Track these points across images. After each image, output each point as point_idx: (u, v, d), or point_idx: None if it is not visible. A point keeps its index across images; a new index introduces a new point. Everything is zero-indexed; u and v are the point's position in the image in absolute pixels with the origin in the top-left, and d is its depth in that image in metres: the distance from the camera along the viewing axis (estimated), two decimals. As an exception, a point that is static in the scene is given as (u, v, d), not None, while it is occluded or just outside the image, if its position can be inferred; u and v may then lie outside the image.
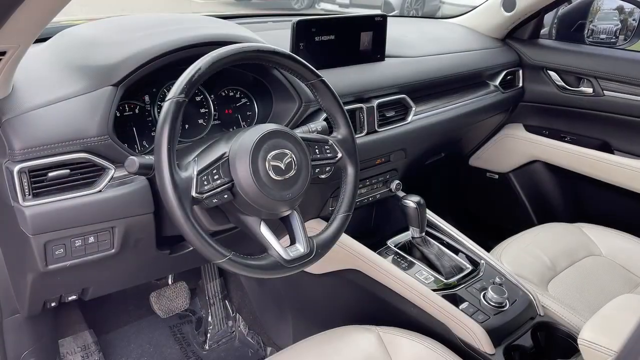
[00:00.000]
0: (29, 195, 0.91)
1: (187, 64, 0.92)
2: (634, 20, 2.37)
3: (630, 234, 1.69)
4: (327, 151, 1.08)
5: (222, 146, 0.96)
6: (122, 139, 1.05)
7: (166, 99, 0.88)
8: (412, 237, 1.46)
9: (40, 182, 0.92)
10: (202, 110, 1.23)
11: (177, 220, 0.86)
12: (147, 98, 1.15)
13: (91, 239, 0.99)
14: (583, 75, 1.91)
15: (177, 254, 1.17)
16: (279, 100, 1.24)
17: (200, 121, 1.22)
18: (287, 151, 0.97)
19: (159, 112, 1.16)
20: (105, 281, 1.18)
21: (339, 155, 1.09)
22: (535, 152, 2.08)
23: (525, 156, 2.12)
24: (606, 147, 1.91)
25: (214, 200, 0.92)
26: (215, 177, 0.92)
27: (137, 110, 1.13)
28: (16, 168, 0.89)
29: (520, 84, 2.01)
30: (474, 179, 2.31)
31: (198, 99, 1.22)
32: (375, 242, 1.47)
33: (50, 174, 0.92)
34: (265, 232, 0.97)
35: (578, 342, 1.03)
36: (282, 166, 0.95)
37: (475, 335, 1.19)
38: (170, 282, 1.77)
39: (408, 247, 1.49)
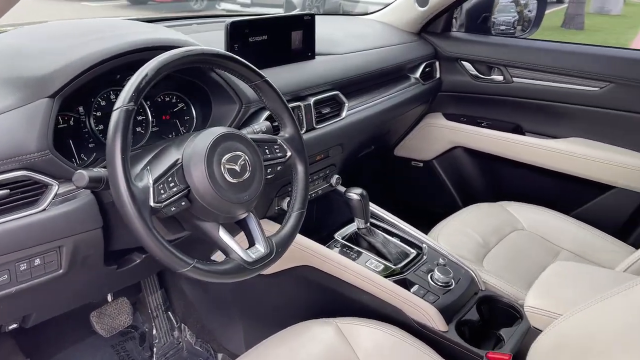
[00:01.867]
0: (-34, 220, 0.84)
1: (122, 71, 0.89)
2: (529, 11, 2.58)
3: (546, 207, 1.85)
4: (277, 151, 1.09)
5: (173, 153, 0.94)
6: (59, 153, 0.99)
7: (114, 108, 0.85)
8: (357, 228, 1.50)
9: None
10: (139, 118, 1.18)
11: (138, 233, 0.84)
12: (81, 109, 1.09)
13: (37, 261, 0.93)
14: (493, 64, 2.04)
15: (124, 268, 1.13)
16: (218, 102, 1.23)
17: (138, 129, 1.18)
18: (240, 153, 0.96)
19: (95, 123, 1.11)
20: (49, 305, 1.11)
21: (289, 154, 1.10)
22: (455, 138, 2.20)
23: (447, 143, 2.23)
24: (518, 130, 2.07)
25: (172, 209, 0.90)
26: (171, 184, 0.90)
27: (71, 122, 1.08)
28: None
29: (438, 75, 2.12)
30: (400, 168, 2.40)
31: None
32: (323, 237, 1.50)
33: None
34: (224, 236, 0.97)
35: (525, 309, 1.12)
36: (237, 168, 0.95)
37: (429, 315, 1.25)
38: (110, 299, 1.69)
39: (355, 238, 1.52)
